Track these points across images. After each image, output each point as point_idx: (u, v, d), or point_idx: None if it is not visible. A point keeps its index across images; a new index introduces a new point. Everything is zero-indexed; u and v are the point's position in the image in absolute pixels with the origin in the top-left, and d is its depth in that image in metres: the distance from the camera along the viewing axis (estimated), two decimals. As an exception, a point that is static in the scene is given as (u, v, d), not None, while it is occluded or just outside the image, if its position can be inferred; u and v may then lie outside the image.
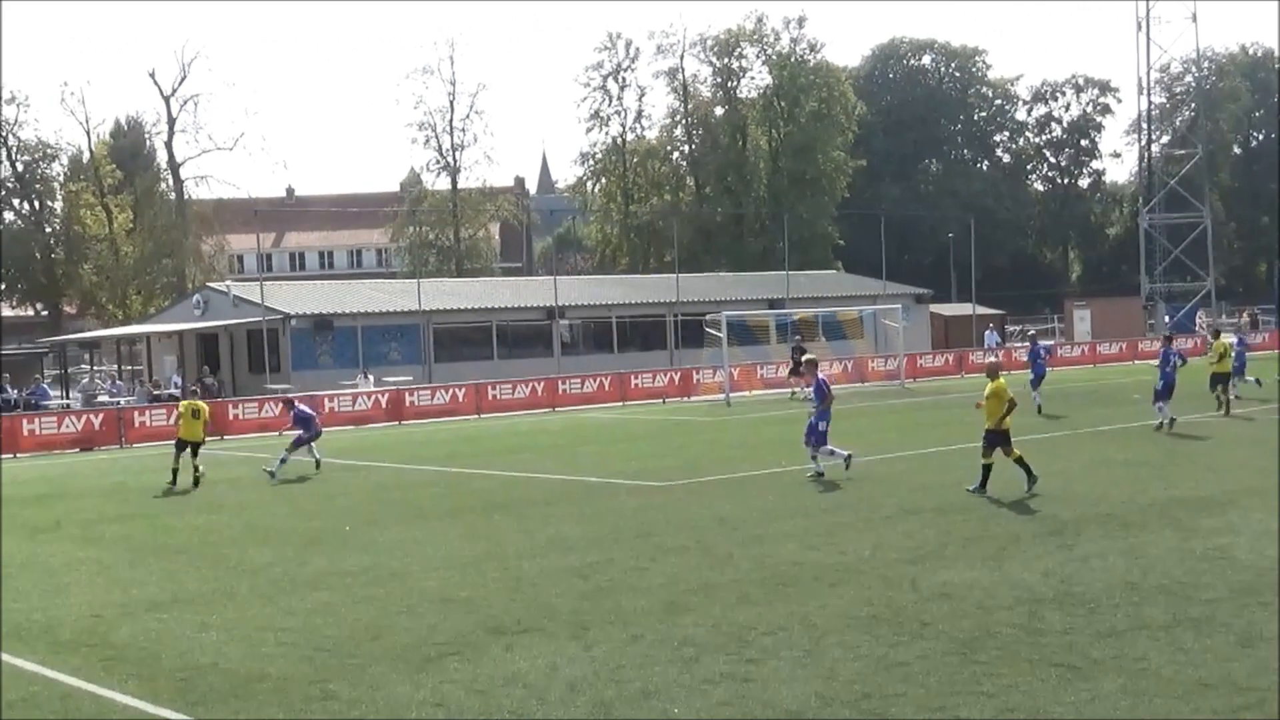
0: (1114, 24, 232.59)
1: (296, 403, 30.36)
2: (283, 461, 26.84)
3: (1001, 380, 20.21)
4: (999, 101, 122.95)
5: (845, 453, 22.93)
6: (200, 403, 28.52)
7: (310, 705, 10.15)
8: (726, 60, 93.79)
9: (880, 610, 12.47)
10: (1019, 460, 19.87)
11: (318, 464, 27.85)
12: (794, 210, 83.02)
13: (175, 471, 26.08)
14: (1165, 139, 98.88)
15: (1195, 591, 12.84)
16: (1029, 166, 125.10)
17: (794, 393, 45.70)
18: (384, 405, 43.51)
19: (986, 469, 19.92)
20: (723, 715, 9.54)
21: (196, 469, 26.36)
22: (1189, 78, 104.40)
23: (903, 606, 12.62)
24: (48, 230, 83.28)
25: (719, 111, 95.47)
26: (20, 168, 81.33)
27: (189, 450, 26.64)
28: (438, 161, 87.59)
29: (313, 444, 28.28)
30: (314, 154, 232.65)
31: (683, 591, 13.69)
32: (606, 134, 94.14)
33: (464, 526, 19.14)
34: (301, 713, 9.99)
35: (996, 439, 19.95)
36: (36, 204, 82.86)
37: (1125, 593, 12.83)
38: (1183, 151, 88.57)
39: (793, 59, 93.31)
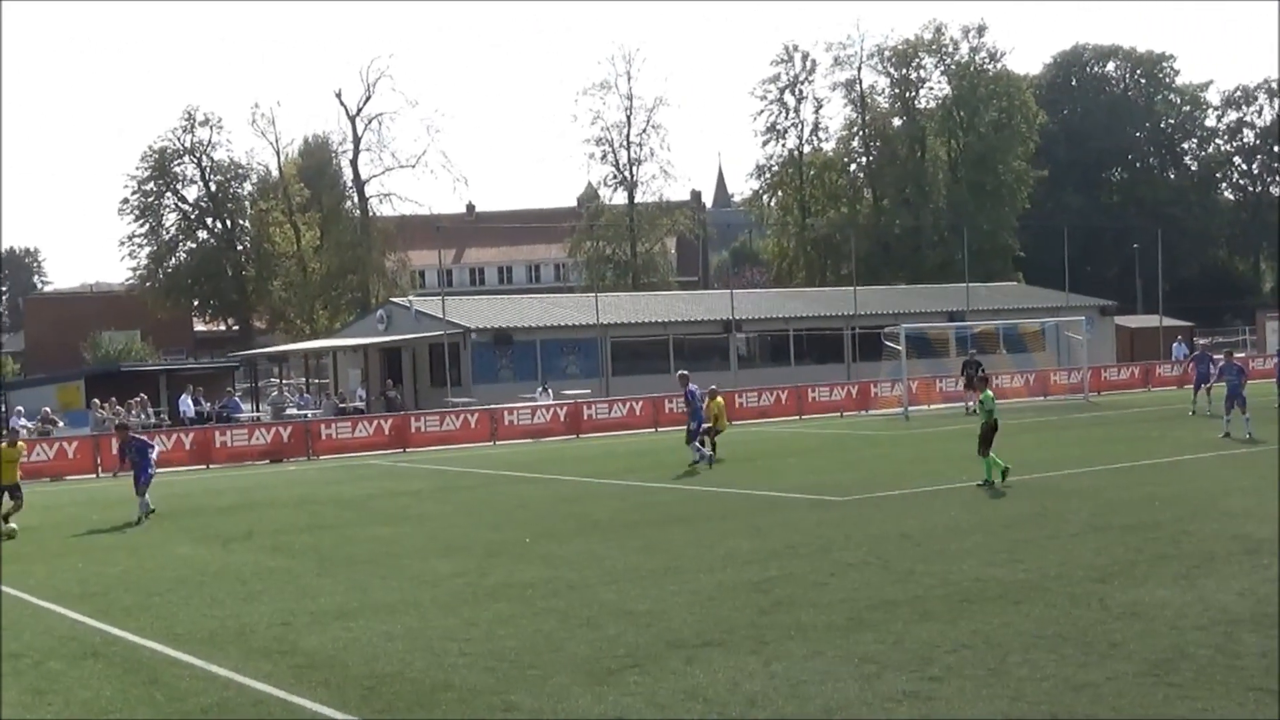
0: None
1: (133, 433, 27.07)
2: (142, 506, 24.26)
3: (719, 399, 31.79)
4: (1187, 108, 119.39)
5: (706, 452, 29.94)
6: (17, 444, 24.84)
7: (493, 715, 10.21)
8: (905, 71, 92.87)
9: (1067, 629, 12.15)
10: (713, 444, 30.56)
11: (139, 518, 24.06)
12: (973, 221, 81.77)
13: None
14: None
15: (1402, 615, 12.28)
16: (1219, 175, 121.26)
17: (969, 407, 45.19)
18: (562, 418, 43.93)
19: (710, 447, 30.42)
20: (905, 734, 9.40)
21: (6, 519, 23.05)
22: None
23: (1090, 625, 12.28)
24: (239, 248, 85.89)
25: (897, 122, 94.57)
26: (213, 187, 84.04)
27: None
28: (615, 176, 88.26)
29: (145, 490, 24.45)
30: (494, 171, 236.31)
31: (863, 607, 13.52)
32: (783, 147, 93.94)
33: (642, 539, 19.17)
34: (484, 723, 10.08)
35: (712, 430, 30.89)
36: (229, 222, 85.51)
37: (1327, 615, 12.33)
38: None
39: (972, 68, 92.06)
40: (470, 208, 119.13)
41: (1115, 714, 9.56)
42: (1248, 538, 16.67)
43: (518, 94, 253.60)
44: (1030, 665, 10.91)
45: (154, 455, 25.50)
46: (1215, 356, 37.86)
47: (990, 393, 24.83)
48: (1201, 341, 51.84)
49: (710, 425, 31.07)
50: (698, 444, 30.22)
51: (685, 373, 33.06)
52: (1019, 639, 11.83)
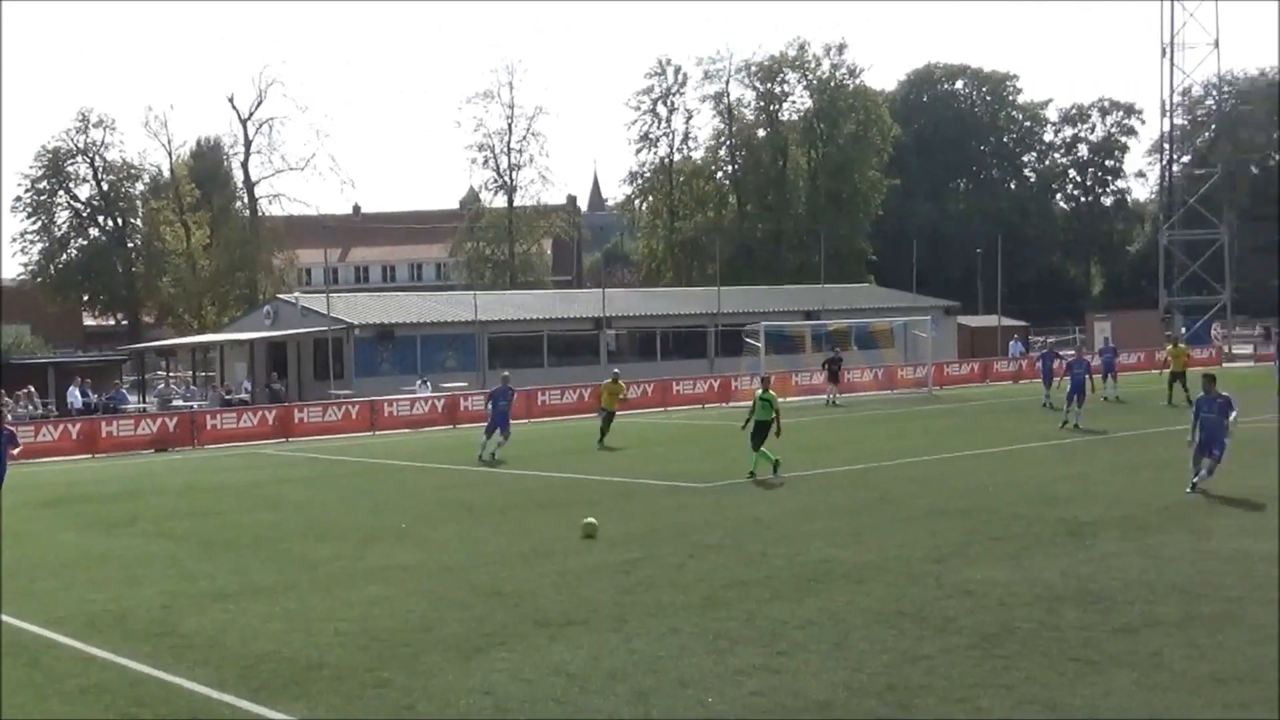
0: (1140, 50, 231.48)
1: (6, 424, 22.33)
2: None
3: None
4: (1028, 124, 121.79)
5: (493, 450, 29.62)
6: None
7: (365, 692, 10.16)
8: (770, 85, 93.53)
9: (905, 606, 12.38)
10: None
11: None
12: (830, 227, 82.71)
13: None
14: (1186, 159, 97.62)
15: (1209, 590, 12.68)
16: (1055, 186, 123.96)
17: (831, 398, 46.00)
18: (440, 410, 43.65)
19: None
20: (755, 705, 9.50)
21: None
22: (1210, 101, 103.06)
23: (927, 603, 12.53)
24: (129, 245, 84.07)
25: (761, 133, 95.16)
26: (106, 187, 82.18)
27: None
28: (495, 181, 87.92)
29: None
30: (380, 174, 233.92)
31: (718, 587, 13.65)
32: (655, 154, 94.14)
33: (514, 524, 19.14)
34: (357, 700, 10.00)
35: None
36: (120, 221, 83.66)
37: (1140, 591, 12.70)
38: (1202, 171, 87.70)
39: (832, 84, 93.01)
40: (356, 209, 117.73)
41: (948, 684, 9.75)
42: (1071, 521, 17.09)
43: (405, 100, 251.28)
44: (870, 640, 11.10)
45: (15, 452, 21.33)
46: (1065, 353, 38.60)
47: (772, 392, 24.91)
48: (1051, 340, 52.88)
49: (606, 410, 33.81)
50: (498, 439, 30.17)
51: (506, 374, 33.33)
52: (861, 616, 12.03)
